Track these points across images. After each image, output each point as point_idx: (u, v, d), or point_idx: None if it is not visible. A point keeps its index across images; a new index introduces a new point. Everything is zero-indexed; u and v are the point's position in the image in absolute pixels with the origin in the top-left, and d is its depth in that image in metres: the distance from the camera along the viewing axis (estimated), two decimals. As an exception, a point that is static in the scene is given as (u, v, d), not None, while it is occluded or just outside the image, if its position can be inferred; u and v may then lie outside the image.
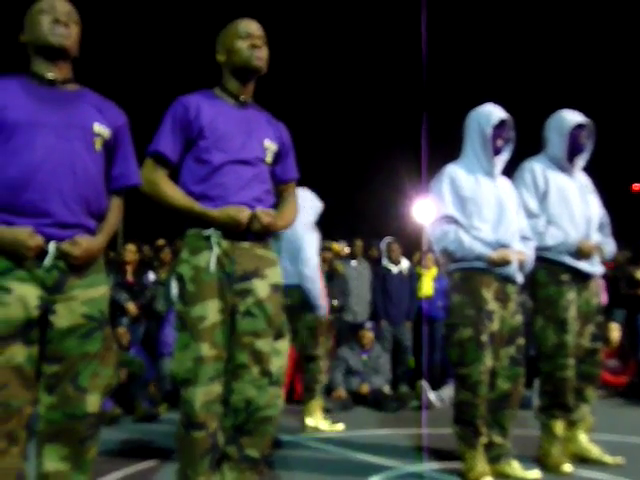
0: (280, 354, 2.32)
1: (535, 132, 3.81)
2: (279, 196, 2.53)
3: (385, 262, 7.30)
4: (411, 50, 20.18)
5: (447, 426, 3.44)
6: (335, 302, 6.90)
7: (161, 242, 7.29)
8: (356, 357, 6.32)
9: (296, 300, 4.33)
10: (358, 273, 7.15)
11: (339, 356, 6.36)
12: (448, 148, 3.46)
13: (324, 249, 7.12)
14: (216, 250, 2.28)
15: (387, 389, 6.25)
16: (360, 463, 3.64)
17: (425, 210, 3.10)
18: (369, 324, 6.55)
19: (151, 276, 6.39)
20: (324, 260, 7.06)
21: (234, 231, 2.29)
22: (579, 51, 20.25)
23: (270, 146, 2.43)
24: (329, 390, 6.22)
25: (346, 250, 7.68)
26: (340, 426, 4.67)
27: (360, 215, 18.47)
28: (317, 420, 4.63)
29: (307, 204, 4.49)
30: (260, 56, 2.37)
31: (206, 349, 2.22)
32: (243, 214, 2.27)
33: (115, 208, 2.15)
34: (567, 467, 3.34)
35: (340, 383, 6.12)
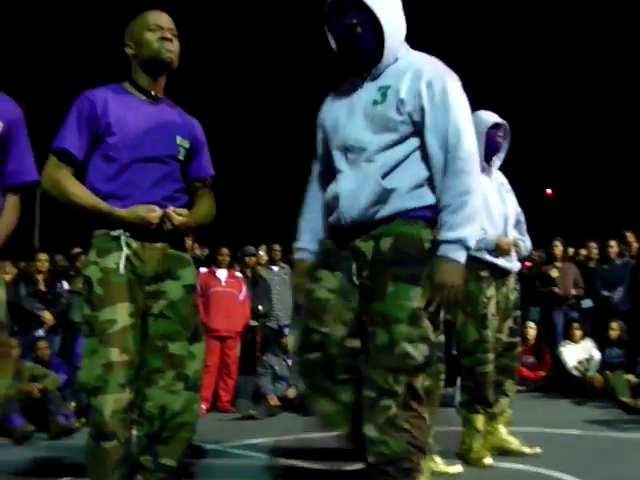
0: (196, 358, 2.23)
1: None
2: (194, 195, 2.43)
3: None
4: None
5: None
6: (260, 307, 6.83)
7: (76, 250, 7.04)
8: (281, 362, 6.27)
9: None
10: (280, 278, 7.11)
11: (265, 363, 6.29)
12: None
13: (248, 255, 7.03)
14: (125, 251, 2.17)
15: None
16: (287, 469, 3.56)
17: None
18: (287, 330, 6.51)
19: (65, 285, 6.30)
20: (247, 266, 6.98)
21: (144, 231, 2.19)
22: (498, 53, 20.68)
23: (182, 143, 2.33)
24: (258, 397, 6.14)
25: (264, 257, 7.61)
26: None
27: (277, 219, 18.32)
28: None
29: None
30: (170, 49, 2.27)
31: (116, 354, 2.10)
32: (153, 214, 2.17)
33: (10, 206, 2.00)
34: (488, 460, 3.39)
35: (270, 390, 6.06)
